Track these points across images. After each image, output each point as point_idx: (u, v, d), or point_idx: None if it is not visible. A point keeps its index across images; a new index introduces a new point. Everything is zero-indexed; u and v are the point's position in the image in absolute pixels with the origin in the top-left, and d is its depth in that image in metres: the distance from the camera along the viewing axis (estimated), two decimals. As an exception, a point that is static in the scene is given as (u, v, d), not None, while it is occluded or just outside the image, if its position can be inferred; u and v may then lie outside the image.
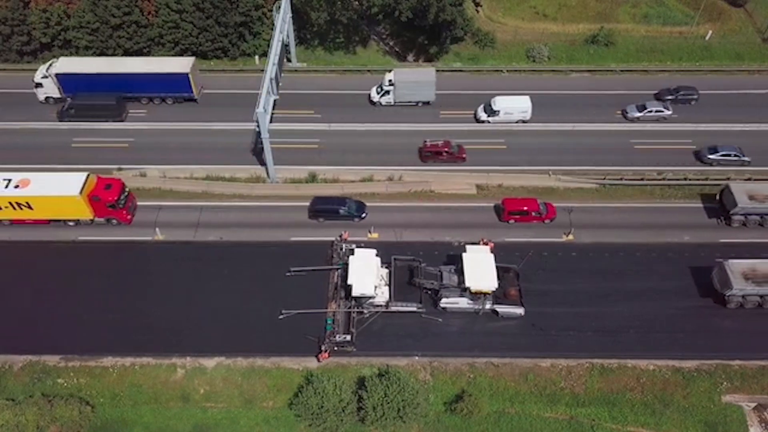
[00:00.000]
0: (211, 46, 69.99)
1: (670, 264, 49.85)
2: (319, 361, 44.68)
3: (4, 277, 49.63)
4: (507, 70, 70.49)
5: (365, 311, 46.42)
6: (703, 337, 45.89)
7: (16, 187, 50.83)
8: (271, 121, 56.80)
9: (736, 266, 46.08)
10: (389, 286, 46.75)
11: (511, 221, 53.20)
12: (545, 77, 69.98)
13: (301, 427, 43.09)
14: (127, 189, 53.20)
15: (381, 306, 46.35)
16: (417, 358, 45.32)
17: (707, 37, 73.19)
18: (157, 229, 53.02)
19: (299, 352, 45.39)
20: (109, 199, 51.41)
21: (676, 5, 78.56)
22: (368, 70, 70.87)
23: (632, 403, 43.66)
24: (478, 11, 76.19)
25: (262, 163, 57.84)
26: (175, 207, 55.04)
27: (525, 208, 52.84)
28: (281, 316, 46.03)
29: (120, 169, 57.82)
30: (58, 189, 50.92)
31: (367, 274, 45.53)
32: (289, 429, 43.36)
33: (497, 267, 45.96)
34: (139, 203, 55.19)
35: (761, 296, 46.07)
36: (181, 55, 71.12)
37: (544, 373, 44.64)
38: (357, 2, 71.12)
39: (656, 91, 65.68)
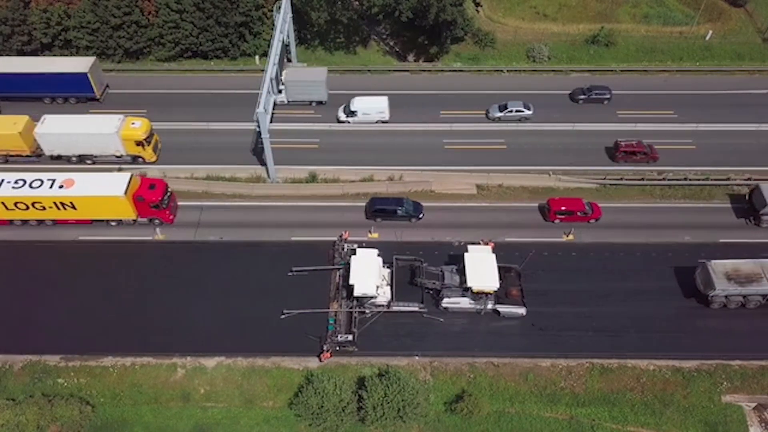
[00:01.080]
0: (212, 46, 70.02)
1: (670, 264, 49.77)
2: (321, 360, 44.70)
3: (4, 277, 49.65)
4: (507, 70, 70.50)
5: (367, 311, 46.42)
6: (704, 337, 45.87)
7: (61, 187, 50.74)
8: (271, 121, 56.87)
9: (718, 267, 46.06)
10: (391, 286, 46.73)
11: (557, 221, 53.16)
12: (546, 77, 70.00)
13: (301, 426, 43.12)
14: (169, 189, 53.18)
15: (383, 306, 46.36)
16: (417, 358, 45.34)
17: (707, 37, 73.19)
18: (157, 229, 53.04)
19: (300, 351, 45.42)
20: (153, 200, 51.36)
21: (676, 5, 78.56)
22: (368, 70, 70.93)
23: (632, 403, 43.67)
24: (478, 11, 76.18)
25: (263, 162, 57.87)
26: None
27: (571, 208, 52.82)
28: (283, 316, 46.04)
29: (120, 169, 57.79)
30: (102, 189, 50.86)
31: (368, 274, 45.53)
32: (290, 429, 43.38)
33: (499, 267, 45.98)
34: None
35: (744, 296, 46.03)
36: (181, 55, 71.27)
37: (544, 372, 44.65)
38: (357, 2, 71.16)
39: (570, 91, 66.07)
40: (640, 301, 47.68)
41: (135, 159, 57.79)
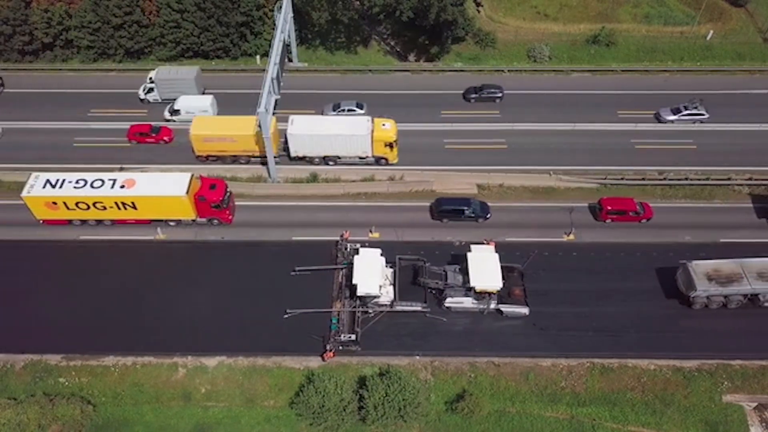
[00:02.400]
0: (213, 46, 70.11)
1: (671, 264, 49.72)
2: (324, 360, 44.74)
3: (5, 277, 49.69)
4: (508, 70, 70.52)
5: (370, 311, 46.45)
6: (705, 337, 45.86)
7: (122, 187, 50.87)
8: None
9: (699, 267, 46.04)
10: (394, 285, 46.77)
11: (608, 221, 53.15)
12: (546, 77, 70.03)
13: (302, 426, 43.15)
14: (228, 189, 53.18)
15: (386, 305, 46.38)
16: (418, 357, 45.36)
17: (708, 37, 73.19)
18: (158, 229, 53.09)
19: (300, 351, 45.46)
20: (214, 200, 51.41)
21: (677, 5, 78.58)
22: (369, 70, 70.96)
23: (633, 402, 43.68)
24: (479, 11, 76.24)
25: (263, 162, 57.90)
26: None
27: (623, 207, 52.75)
28: (286, 316, 46.07)
29: (122, 169, 57.83)
30: (164, 189, 50.95)
31: (371, 274, 45.54)
32: (291, 428, 43.41)
33: (502, 266, 45.99)
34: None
35: (725, 297, 46.01)
36: (182, 55, 71.34)
37: (545, 372, 44.67)
38: (358, 2, 71.22)
39: (462, 90, 66.07)
40: (641, 300, 47.68)
41: (378, 160, 57.57)
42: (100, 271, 50.04)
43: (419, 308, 46.44)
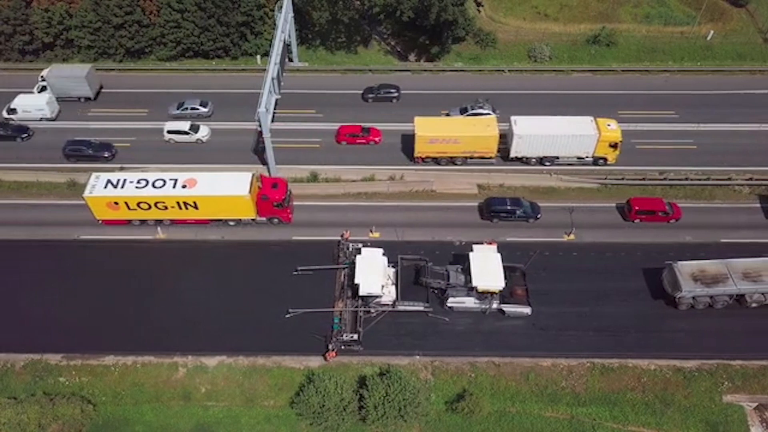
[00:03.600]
0: (213, 46, 70.15)
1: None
2: (326, 360, 44.72)
3: (5, 276, 49.69)
4: (508, 70, 70.54)
5: (372, 310, 46.45)
6: (705, 336, 45.81)
7: (184, 186, 50.83)
8: (272, 121, 56.93)
9: (685, 268, 45.94)
10: (396, 285, 46.74)
11: (637, 221, 53.12)
12: (547, 77, 70.03)
13: (302, 425, 43.14)
14: (289, 188, 53.12)
15: (388, 305, 46.37)
16: (418, 357, 45.34)
17: (708, 37, 73.18)
18: (158, 228, 53.08)
19: (301, 350, 45.45)
20: (277, 198, 51.34)
21: (677, 5, 78.59)
22: (370, 70, 70.97)
23: (633, 402, 43.65)
24: (479, 11, 76.26)
25: (264, 162, 57.91)
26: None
27: (652, 208, 52.73)
28: (288, 315, 46.06)
29: (122, 168, 57.87)
30: (226, 189, 50.85)
31: (374, 274, 45.53)
32: (291, 428, 43.40)
33: (504, 266, 45.96)
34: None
35: (711, 297, 45.94)
36: (182, 54, 71.34)
37: (545, 372, 44.65)
38: (359, 2, 71.25)
39: (361, 90, 66.30)
40: (642, 300, 47.65)
41: (596, 161, 57.19)
42: (100, 270, 50.02)
43: (421, 308, 46.40)
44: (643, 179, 56.60)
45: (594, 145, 55.97)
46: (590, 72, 70.33)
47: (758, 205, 54.99)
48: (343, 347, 44.84)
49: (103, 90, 67.14)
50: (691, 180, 56.43)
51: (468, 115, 61.78)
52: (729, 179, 56.41)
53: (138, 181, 51.14)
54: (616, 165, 57.88)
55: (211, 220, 52.83)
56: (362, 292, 45.19)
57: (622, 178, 56.68)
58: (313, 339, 45.33)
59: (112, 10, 66.85)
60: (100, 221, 52.70)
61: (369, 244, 49.46)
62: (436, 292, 47.41)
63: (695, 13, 75.65)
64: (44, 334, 46.14)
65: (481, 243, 48.61)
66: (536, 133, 55.82)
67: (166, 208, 51.23)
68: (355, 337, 44.82)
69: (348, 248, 49.84)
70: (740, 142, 60.31)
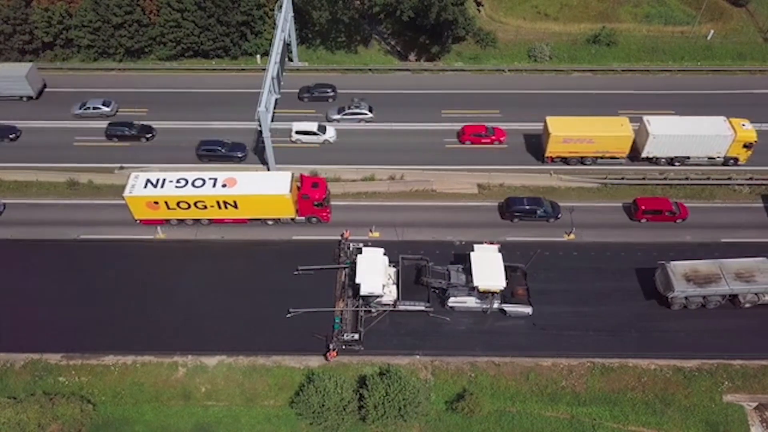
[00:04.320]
0: (213, 45, 70.08)
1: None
2: (327, 360, 44.71)
3: (5, 276, 49.65)
4: (509, 70, 70.49)
5: (373, 310, 46.40)
6: (705, 336, 45.80)
7: (224, 186, 50.70)
8: (272, 120, 56.89)
9: (677, 268, 45.92)
10: (397, 285, 46.70)
11: (644, 220, 53.08)
12: (547, 77, 69.98)
13: (302, 425, 43.12)
14: (328, 187, 53.09)
15: (389, 305, 46.32)
16: (418, 357, 45.32)
17: (709, 37, 73.13)
18: (158, 228, 53.03)
19: (301, 350, 45.42)
20: (317, 198, 51.19)
21: (677, 5, 78.53)
22: (370, 70, 70.93)
23: (633, 402, 43.64)
24: (479, 11, 76.19)
25: (264, 161, 57.88)
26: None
27: (659, 207, 52.70)
28: (288, 315, 46.02)
29: (122, 168, 57.86)
30: (267, 188, 50.78)
31: (375, 273, 45.49)
32: (291, 427, 43.38)
33: (505, 266, 45.92)
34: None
35: (704, 297, 45.92)
36: (182, 54, 71.29)
37: (545, 372, 44.62)
38: (359, 2, 71.19)
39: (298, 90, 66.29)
40: (642, 300, 47.62)
41: (726, 161, 57.01)
42: (100, 270, 49.97)
43: (422, 308, 46.36)
44: (643, 179, 56.57)
45: (728, 146, 55.82)
46: (590, 72, 70.29)
47: (760, 204, 54.99)
48: (344, 347, 44.80)
49: (102, 89, 67.00)
50: (692, 180, 56.41)
51: (345, 114, 62.07)
52: (729, 179, 56.40)
53: (177, 181, 50.99)
54: (616, 165, 57.86)
55: (250, 220, 52.69)
56: (363, 291, 45.16)
57: (622, 178, 56.65)
58: (314, 339, 45.29)
59: (111, 9, 66.78)
60: (138, 221, 52.59)
61: (370, 243, 49.40)
62: (437, 291, 47.36)
63: (695, 12, 75.59)
64: (44, 334, 46.13)
65: (482, 242, 48.57)
66: (671, 133, 55.62)
67: (205, 207, 51.14)
68: (356, 336, 44.78)
69: (349, 248, 49.79)
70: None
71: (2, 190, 56.69)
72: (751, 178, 56.35)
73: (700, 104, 64.11)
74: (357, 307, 46.30)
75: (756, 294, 45.97)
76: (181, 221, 52.83)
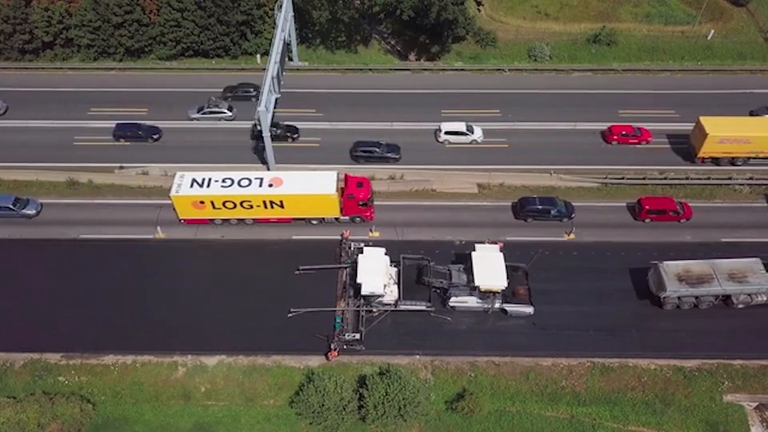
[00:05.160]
0: (213, 45, 70.08)
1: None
2: (328, 359, 44.69)
3: (5, 275, 49.61)
4: (509, 70, 70.46)
5: (374, 310, 46.38)
6: (706, 336, 45.77)
7: (270, 185, 50.75)
8: (272, 120, 56.87)
9: (670, 268, 45.86)
10: (398, 284, 46.69)
11: (647, 220, 53.04)
12: (547, 76, 69.96)
13: (302, 425, 43.09)
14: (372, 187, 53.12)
15: (390, 305, 46.30)
16: (418, 356, 45.29)
17: (709, 37, 73.12)
18: (158, 228, 53.00)
19: (301, 350, 45.39)
20: (363, 198, 51.19)
21: (677, 5, 78.57)
22: (370, 69, 70.91)
23: (633, 402, 43.60)
24: (479, 10, 76.18)
25: (264, 161, 57.85)
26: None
27: (663, 207, 52.63)
28: (290, 315, 46.01)
29: (122, 167, 57.86)
30: (314, 188, 50.76)
31: (376, 273, 45.45)
32: (290, 427, 43.35)
33: (506, 266, 45.87)
34: (139, 201, 55.20)
35: (696, 297, 45.86)
36: (182, 54, 71.28)
37: (545, 372, 44.59)
38: (359, 1, 71.15)
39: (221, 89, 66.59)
40: (642, 300, 47.58)
41: None
42: (100, 270, 49.93)
43: (423, 307, 46.33)
44: (644, 179, 56.54)
45: None
46: (590, 71, 70.27)
47: (762, 204, 54.98)
48: (345, 347, 44.78)
49: (102, 89, 66.95)
50: (692, 179, 56.36)
51: (204, 113, 62.41)
52: (729, 179, 56.37)
53: (223, 180, 50.99)
54: (615, 165, 57.79)
55: (294, 219, 52.73)
56: (364, 291, 45.13)
57: (623, 178, 56.62)
58: (314, 338, 45.26)
59: (111, 9, 66.77)
60: (182, 221, 52.63)
61: (371, 243, 49.36)
62: (438, 291, 47.34)
63: (696, 12, 75.59)
64: (44, 334, 46.09)
65: (483, 242, 48.50)
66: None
67: (251, 207, 51.14)
68: (357, 336, 44.75)
69: (350, 247, 49.77)
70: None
71: (2, 189, 56.66)
72: (751, 178, 56.34)
73: (701, 104, 64.18)
74: (358, 306, 46.26)
75: (749, 295, 45.92)
76: (225, 221, 52.78)
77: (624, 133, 60.11)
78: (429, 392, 43.73)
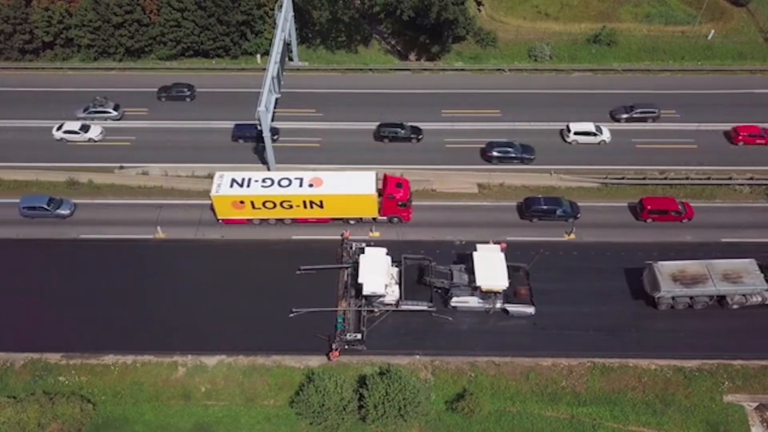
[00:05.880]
0: (213, 45, 70.08)
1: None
2: (330, 359, 44.69)
3: (5, 275, 49.62)
4: (509, 70, 70.44)
5: (376, 310, 46.36)
6: (705, 336, 45.72)
7: (310, 185, 50.82)
8: (272, 120, 56.86)
9: (665, 268, 45.80)
10: (400, 284, 46.68)
11: (649, 220, 52.97)
12: (547, 76, 69.93)
13: (302, 425, 43.07)
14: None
15: (391, 305, 46.28)
16: (418, 356, 45.28)
17: (709, 37, 73.08)
18: (158, 228, 53.00)
19: (301, 350, 45.39)
20: (403, 198, 51.23)
21: (678, 5, 78.50)
22: (370, 69, 70.90)
23: (633, 402, 43.57)
24: (480, 10, 76.17)
25: (264, 161, 57.84)
26: (177, 205, 55.09)
27: (665, 207, 52.52)
28: (291, 315, 45.98)
29: (122, 167, 57.87)
30: (354, 188, 50.85)
31: (377, 273, 45.43)
32: (290, 427, 43.34)
33: (507, 266, 45.83)
34: (139, 201, 55.19)
35: (690, 297, 45.78)
36: (182, 54, 71.28)
37: (546, 372, 44.58)
38: (359, 1, 71.14)
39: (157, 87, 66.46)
40: (642, 300, 47.54)
41: None
42: (100, 269, 49.93)
43: (425, 307, 46.31)
44: (644, 179, 56.51)
45: None
46: (591, 71, 70.24)
47: (764, 204, 54.97)
48: (346, 347, 44.77)
49: (102, 89, 66.93)
50: (692, 179, 56.34)
51: (89, 113, 62.09)
52: (730, 179, 56.35)
53: (263, 180, 51.13)
54: (616, 165, 57.77)
55: (332, 219, 52.78)
56: (366, 291, 45.11)
57: (623, 178, 56.60)
58: (314, 338, 45.24)
59: (112, 9, 66.78)
60: (220, 221, 52.67)
61: (372, 243, 49.34)
62: (439, 291, 47.33)
63: (696, 12, 75.55)
64: (44, 333, 46.09)
65: (487, 242, 48.43)
66: None
67: (291, 207, 51.25)
68: (359, 336, 44.74)
69: (351, 247, 49.77)
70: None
71: (2, 189, 56.70)
72: (751, 178, 56.29)
73: (701, 104, 64.24)
74: (360, 306, 46.25)
75: (744, 295, 45.84)
76: (263, 221, 52.84)
77: (751, 133, 59.50)
78: (429, 392, 43.72)
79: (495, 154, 58.15)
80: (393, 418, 41.32)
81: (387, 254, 47.24)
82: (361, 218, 52.88)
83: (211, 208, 52.24)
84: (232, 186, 50.89)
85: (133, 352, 45.52)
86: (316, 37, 73.98)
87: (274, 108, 57.71)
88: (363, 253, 47.24)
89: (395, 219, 52.91)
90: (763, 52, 71.61)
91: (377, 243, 49.41)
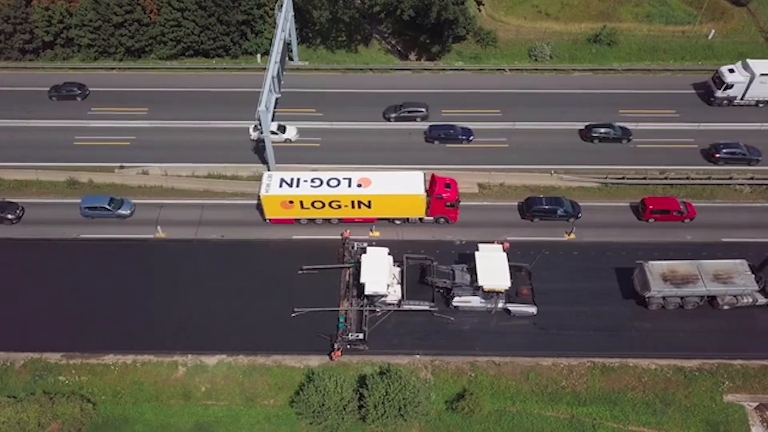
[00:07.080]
0: (213, 45, 70.07)
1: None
2: (332, 359, 44.69)
3: (5, 275, 49.63)
4: (509, 69, 70.42)
5: (378, 310, 46.35)
6: (706, 336, 45.73)
7: (359, 185, 50.85)
8: (273, 120, 56.83)
9: (655, 268, 45.77)
10: (401, 284, 46.63)
11: (651, 220, 52.92)
12: (547, 76, 69.89)
13: (302, 425, 43.08)
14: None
15: (393, 304, 46.28)
16: (418, 356, 45.27)
17: (710, 37, 73.06)
18: (158, 227, 52.99)
19: (301, 350, 45.39)
20: (452, 199, 51.12)
21: (678, 4, 78.47)
22: (370, 69, 70.88)
23: (634, 402, 43.57)
24: (480, 10, 76.13)
25: (264, 161, 57.85)
26: (177, 205, 55.11)
27: (667, 207, 52.47)
28: (293, 315, 45.98)
29: (122, 167, 57.87)
30: (403, 188, 50.83)
31: (379, 273, 45.40)
32: (290, 427, 43.35)
33: (509, 266, 45.82)
34: (139, 201, 55.20)
35: (681, 297, 45.76)
36: (183, 53, 71.28)
37: (546, 371, 44.57)
38: (359, 1, 71.12)
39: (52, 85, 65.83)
40: (642, 299, 47.54)
41: None
42: (100, 269, 49.94)
43: (427, 307, 46.30)
44: (644, 178, 56.50)
45: None
46: (591, 71, 70.19)
47: (765, 204, 54.92)
48: (348, 346, 44.77)
49: (102, 88, 66.95)
50: (692, 179, 56.32)
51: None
52: (730, 178, 56.33)
53: (312, 180, 51.21)
54: (616, 164, 57.74)
55: (378, 219, 52.76)
56: (368, 291, 45.07)
57: (623, 178, 56.58)
58: (315, 338, 45.24)
59: (112, 8, 66.79)
60: (268, 220, 52.75)
61: (374, 243, 49.36)
62: (441, 291, 47.31)
63: (696, 12, 75.53)
64: (44, 333, 46.11)
65: (490, 242, 48.40)
66: None
67: (339, 206, 51.26)
68: (361, 336, 44.74)
69: (353, 247, 49.76)
70: (747, 141, 59.94)
71: (2, 189, 56.70)
72: (752, 178, 56.28)
73: (701, 104, 64.20)
74: (361, 306, 46.24)
75: (734, 296, 45.81)
76: (311, 220, 52.88)
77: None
78: (429, 392, 43.72)
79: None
80: (393, 418, 41.33)
81: (389, 254, 47.18)
82: (407, 219, 52.83)
83: (257, 207, 52.28)
84: (281, 186, 50.93)
85: (133, 351, 45.53)
86: (317, 37, 73.98)
87: (275, 108, 57.67)
88: (365, 252, 47.22)
89: (442, 220, 52.77)
90: (763, 52, 71.46)
91: (377, 243, 49.38)
